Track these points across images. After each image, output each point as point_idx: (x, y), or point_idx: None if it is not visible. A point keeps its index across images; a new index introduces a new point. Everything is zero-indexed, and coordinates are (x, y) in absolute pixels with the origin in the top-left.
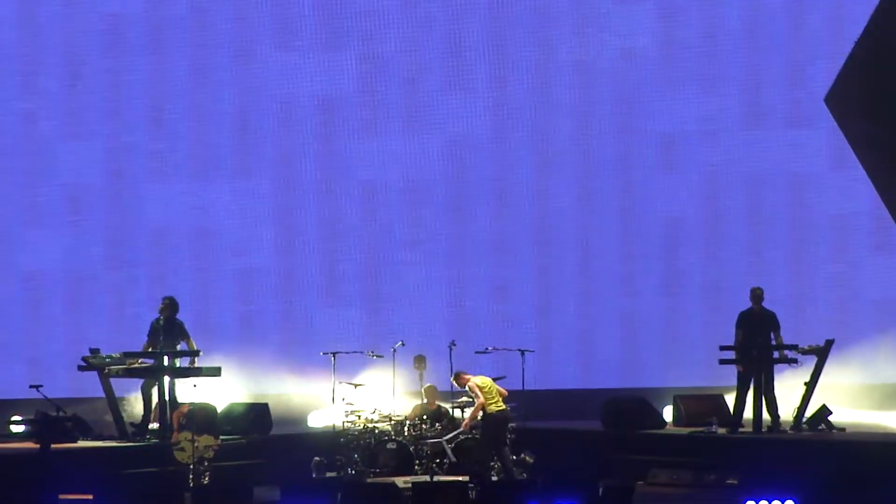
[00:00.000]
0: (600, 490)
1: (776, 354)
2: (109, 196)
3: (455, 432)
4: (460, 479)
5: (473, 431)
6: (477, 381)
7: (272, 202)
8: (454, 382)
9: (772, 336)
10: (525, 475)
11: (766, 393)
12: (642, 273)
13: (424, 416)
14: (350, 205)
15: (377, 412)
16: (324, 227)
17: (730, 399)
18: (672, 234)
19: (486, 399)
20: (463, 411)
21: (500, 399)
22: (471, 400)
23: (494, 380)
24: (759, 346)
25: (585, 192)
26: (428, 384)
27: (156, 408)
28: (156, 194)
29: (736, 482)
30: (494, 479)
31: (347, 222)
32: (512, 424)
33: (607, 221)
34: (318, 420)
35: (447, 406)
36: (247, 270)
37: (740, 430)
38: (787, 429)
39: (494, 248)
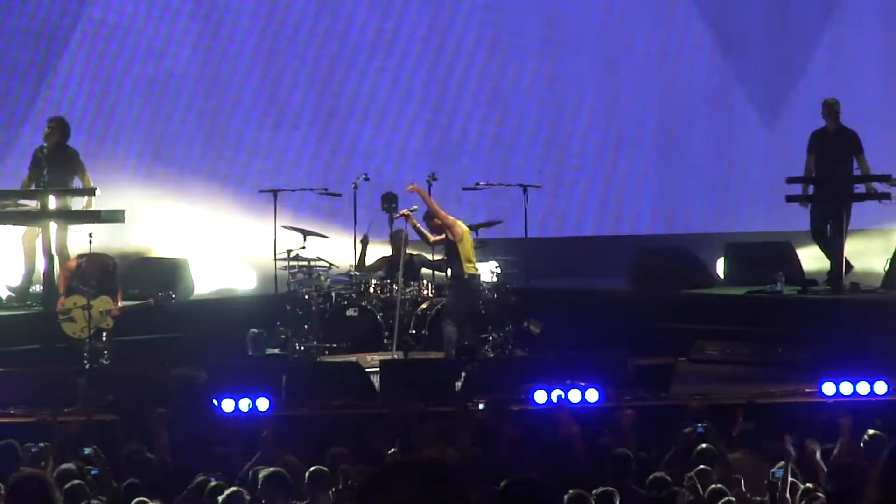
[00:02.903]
0: (628, 369)
1: (860, 188)
2: None
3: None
4: (442, 356)
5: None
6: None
7: None
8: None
9: (854, 163)
10: (528, 350)
11: (834, 235)
12: (682, 81)
13: (390, 272)
14: None
15: (333, 269)
16: (260, 17)
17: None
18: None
19: (465, 253)
20: (446, 272)
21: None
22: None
23: (485, 226)
24: (835, 175)
25: None
26: (397, 229)
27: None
28: None
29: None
30: (490, 355)
31: (293, 12)
32: (509, 286)
33: (637, 12)
34: (254, 280)
35: (426, 256)
36: (158, 78)
37: (814, 288)
38: (878, 288)
39: (488, 47)
